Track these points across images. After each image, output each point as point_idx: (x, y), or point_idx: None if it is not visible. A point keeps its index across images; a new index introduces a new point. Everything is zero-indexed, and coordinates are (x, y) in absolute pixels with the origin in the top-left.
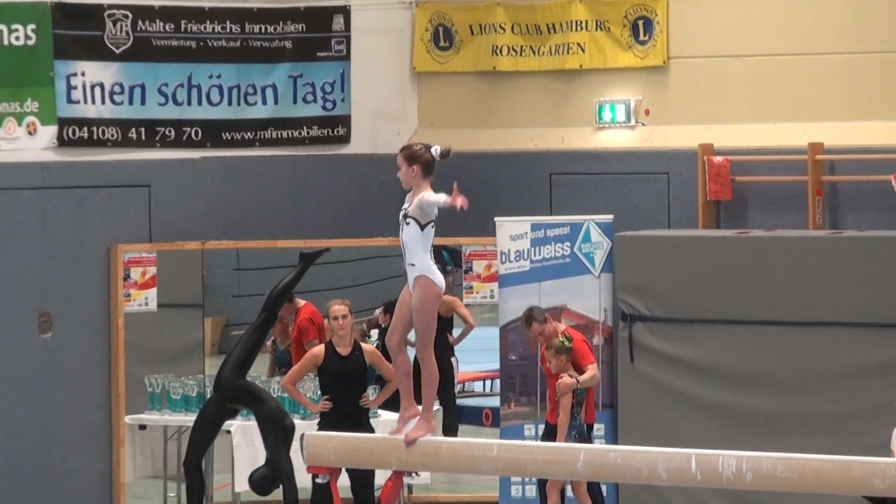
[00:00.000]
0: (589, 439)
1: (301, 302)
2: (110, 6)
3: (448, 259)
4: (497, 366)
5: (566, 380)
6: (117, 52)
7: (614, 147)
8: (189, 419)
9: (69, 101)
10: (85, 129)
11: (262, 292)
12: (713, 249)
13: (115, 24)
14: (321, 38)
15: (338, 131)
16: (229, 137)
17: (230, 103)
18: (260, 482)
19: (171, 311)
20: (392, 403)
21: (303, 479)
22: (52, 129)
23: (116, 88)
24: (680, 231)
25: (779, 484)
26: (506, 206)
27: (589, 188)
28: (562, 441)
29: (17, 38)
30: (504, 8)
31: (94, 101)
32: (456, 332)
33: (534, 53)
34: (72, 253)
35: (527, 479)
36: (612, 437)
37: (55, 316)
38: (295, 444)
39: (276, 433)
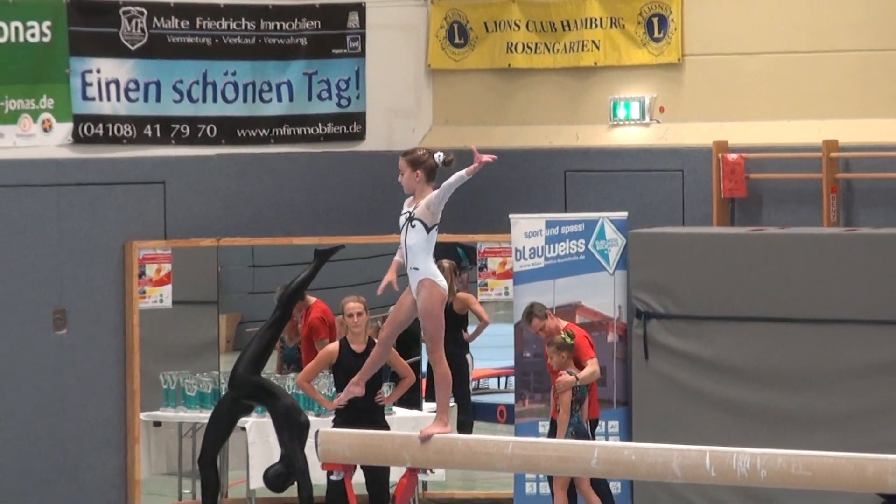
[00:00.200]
0: (588, 436)
1: (312, 299)
2: (126, 3)
3: (463, 256)
4: (512, 363)
5: (565, 377)
6: (132, 48)
7: (629, 144)
8: (204, 416)
9: (84, 97)
10: (100, 125)
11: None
12: (728, 246)
13: (130, 20)
14: (336, 36)
15: (353, 128)
16: (244, 134)
17: (245, 100)
18: (275, 479)
19: (185, 307)
20: (407, 400)
21: (317, 476)
22: (68, 126)
23: (132, 85)
24: (694, 228)
25: (793, 481)
26: (520, 202)
27: (603, 185)
28: (560, 438)
29: (33, 35)
30: (519, 5)
31: (109, 98)
32: (471, 329)
33: (548, 51)
34: (87, 250)
35: (541, 477)
36: (627, 434)
37: (70, 313)
38: (310, 441)
39: (291, 430)
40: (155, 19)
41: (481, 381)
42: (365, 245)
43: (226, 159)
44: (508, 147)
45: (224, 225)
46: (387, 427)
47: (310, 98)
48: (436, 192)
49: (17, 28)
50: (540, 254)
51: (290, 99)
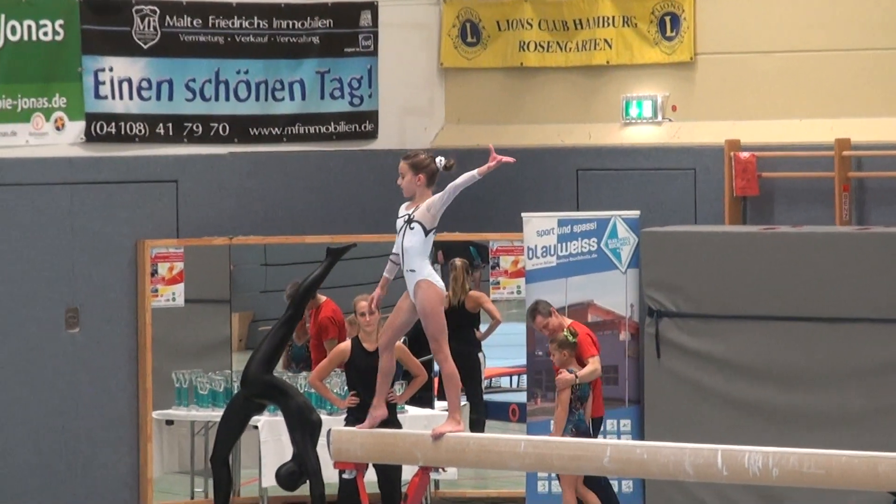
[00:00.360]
0: (589, 434)
1: (322, 298)
2: (138, 1)
3: (475, 254)
4: (524, 361)
5: (564, 375)
6: (145, 47)
7: (641, 143)
8: (216, 414)
9: (97, 96)
10: (112, 124)
11: None
12: (740, 245)
13: (142, 19)
14: (349, 34)
15: (365, 127)
16: (257, 133)
17: (258, 99)
18: (287, 477)
19: (198, 306)
20: (420, 399)
21: (329, 475)
22: (80, 125)
23: (144, 84)
24: (706, 227)
25: (805, 480)
26: (533, 201)
27: (616, 184)
28: (557, 436)
29: (46, 34)
30: (531, 4)
31: (121, 97)
32: (483, 328)
33: (561, 49)
34: (99, 248)
35: (553, 475)
36: (639, 433)
37: (82, 311)
38: (322, 440)
39: (303, 428)
40: (167, 18)
41: (493, 379)
42: (377, 243)
43: (238, 158)
44: (521, 146)
45: (236, 223)
46: (399, 426)
47: (322, 97)
48: (439, 194)
49: (29, 27)
50: (552, 252)
51: (303, 97)
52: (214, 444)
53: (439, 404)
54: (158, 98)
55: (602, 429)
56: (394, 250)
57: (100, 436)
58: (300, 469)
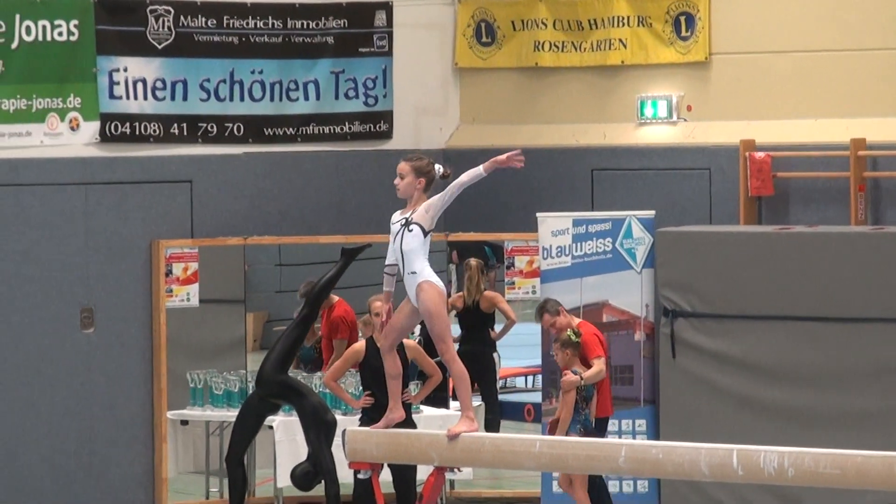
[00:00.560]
0: (596, 433)
1: (335, 298)
2: (153, 2)
3: (490, 254)
4: (539, 361)
5: (569, 377)
6: (159, 47)
7: (656, 143)
8: (231, 415)
9: (111, 96)
10: (127, 124)
11: None
12: (755, 245)
13: (157, 19)
14: (363, 34)
15: (380, 127)
16: (271, 133)
17: (272, 99)
18: (302, 477)
19: (213, 306)
20: (434, 398)
21: (344, 475)
22: (95, 125)
23: (158, 84)
24: (721, 227)
25: (821, 480)
26: (547, 201)
27: (630, 184)
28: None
29: (60, 34)
30: (546, 4)
31: (136, 97)
32: (498, 328)
33: (575, 49)
34: (114, 248)
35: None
36: (654, 433)
37: (97, 311)
38: (337, 440)
39: (318, 428)
40: (182, 18)
41: (508, 379)
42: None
43: (253, 158)
44: (535, 146)
45: (251, 223)
46: (414, 426)
47: (337, 97)
48: (439, 195)
49: (44, 27)
50: (567, 252)
51: (317, 97)
52: (229, 444)
53: (454, 404)
54: (173, 98)
55: (618, 429)
56: (388, 261)
57: (114, 436)
58: (315, 469)
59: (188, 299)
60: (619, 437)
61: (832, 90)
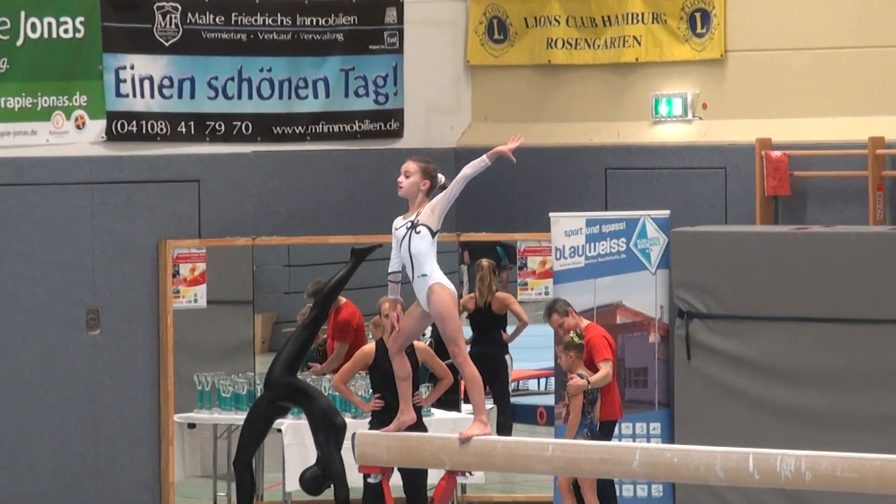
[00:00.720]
0: (601, 437)
1: (342, 300)
2: None
3: (502, 255)
4: (552, 364)
5: (576, 381)
6: (167, 44)
7: (671, 141)
8: (239, 418)
9: (118, 94)
10: (134, 123)
11: None
12: (771, 245)
13: (164, 16)
14: (373, 31)
15: (390, 125)
16: (280, 132)
17: (281, 97)
18: (311, 482)
19: (220, 307)
20: (446, 401)
21: (354, 479)
22: (101, 123)
23: (166, 82)
24: (737, 227)
25: (839, 484)
26: (560, 201)
27: (645, 183)
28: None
29: (66, 31)
30: (559, 0)
31: (143, 95)
32: (510, 330)
33: (589, 46)
34: (120, 249)
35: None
36: (669, 436)
37: (103, 313)
38: (346, 444)
39: (328, 432)
40: (189, 15)
41: (521, 382)
42: None
43: (261, 157)
44: (548, 144)
45: (259, 223)
46: (425, 429)
47: (346, 95)
48: (442, 193)
49: (50, 24)
50: (580, 253)
51: (327, 95)
52: (237, 447)
53: (466, 407)
54: (180, 96)
55: (632, 432)
56: (391, 269)
57: (121, 439)
58: (324, 473)
59: (196, 300)
60: (634, 441)
61: (850, 87)
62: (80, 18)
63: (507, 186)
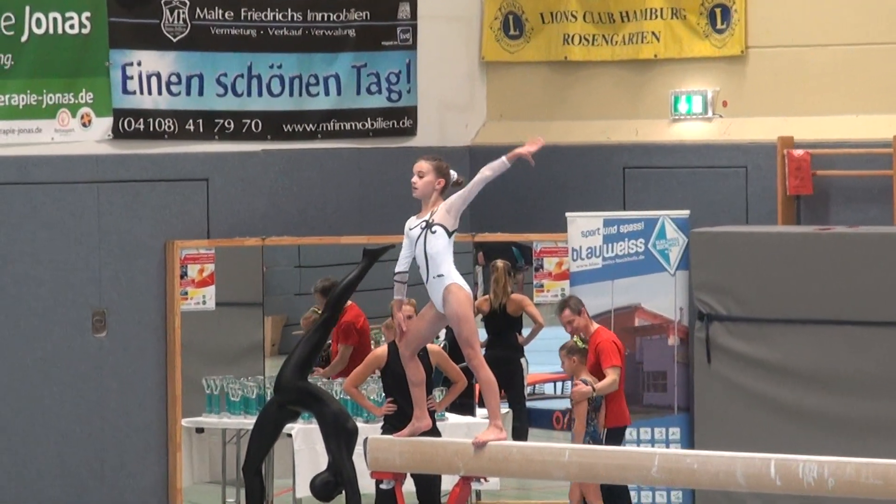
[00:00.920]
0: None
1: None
2: None
3: (518, 256)
4: None
5: (581, 388)
6: (174, 40)
7: (690, 140)
8: (248, 422)
9: (125, 91)
10: (141, 120)
11: None
12: (793, 246)
13: (172, 11)
14: (386, 27)
15: (403, 123)
16: (290, 130)
17: (291, 94)
18: (322, 488)
19: (229, 309)
20: (460, 405)
21: (366, 485)
22: (107, 121)
23: (173, 79)
24: (759, 227)
25: (863, 491)
26: (577, 200)
27: (664, 182)
28: None
29: (72, 27)
30: None
31: (150, 92)
32: (525, 332)
33: (607, 43)
34: (127, 249)
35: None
36: (689, 441)
37: (110, 315)
38: (358, 449)
39: (339, 437)
40: (198, 10)
41: (536, 386)
42: None
43: (271, 155)
44: (565, 143)
45: (269, 223)
46: (438, 434)
47: (358, 92)
48: (458, 192)
49: (55, 19)
50: (598, 254)
51: (338, 93)
52: (247, 452)
53: (480, 412)
54: (188, 93)
55: (650, 437)
56: (399, 268)
57: (127, 444)
58: (336, 479)
59: (204, 302)
60: (652, 446)
61: (874, 85)
62: (87, 14)
63: (522, 186)
